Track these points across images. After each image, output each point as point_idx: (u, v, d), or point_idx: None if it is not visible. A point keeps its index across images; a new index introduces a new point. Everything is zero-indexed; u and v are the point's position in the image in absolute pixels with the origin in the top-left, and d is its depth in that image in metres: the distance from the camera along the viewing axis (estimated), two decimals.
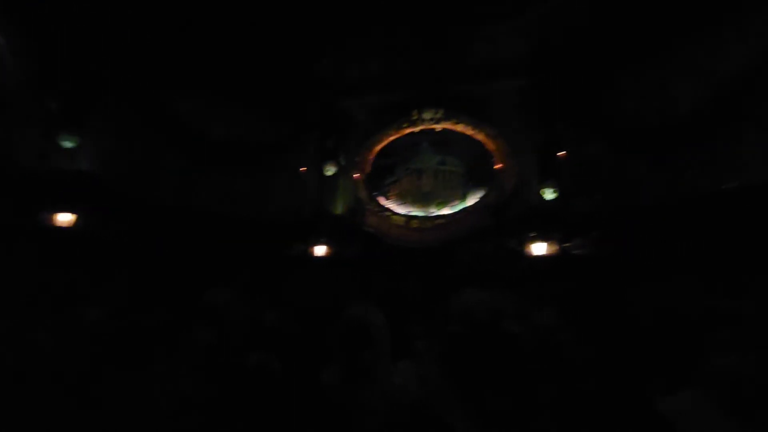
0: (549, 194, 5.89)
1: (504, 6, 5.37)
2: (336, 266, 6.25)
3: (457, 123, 6.61)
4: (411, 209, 6.58)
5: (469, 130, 6.58)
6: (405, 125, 6.84)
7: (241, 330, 1.89)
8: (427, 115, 6.75)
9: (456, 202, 6.40)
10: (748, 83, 4.46)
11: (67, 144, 5.00)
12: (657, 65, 4.95)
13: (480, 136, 6.48)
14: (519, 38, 5.62)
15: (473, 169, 6.42)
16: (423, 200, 6.57)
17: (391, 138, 6.96)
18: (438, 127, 6.74)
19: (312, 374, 1.61)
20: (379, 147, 6.95)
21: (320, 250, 6.43)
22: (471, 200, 6.30)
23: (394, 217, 6.53)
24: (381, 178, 6.82)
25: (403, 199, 6.66)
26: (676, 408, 1.43)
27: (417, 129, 6.84)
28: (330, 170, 6.90)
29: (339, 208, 6.73)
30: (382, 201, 6.69)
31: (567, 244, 5.67)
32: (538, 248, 5.85)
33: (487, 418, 1.13)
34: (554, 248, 5.70)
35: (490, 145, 6.37)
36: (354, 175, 6.87)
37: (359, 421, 1.39)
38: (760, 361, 1.45)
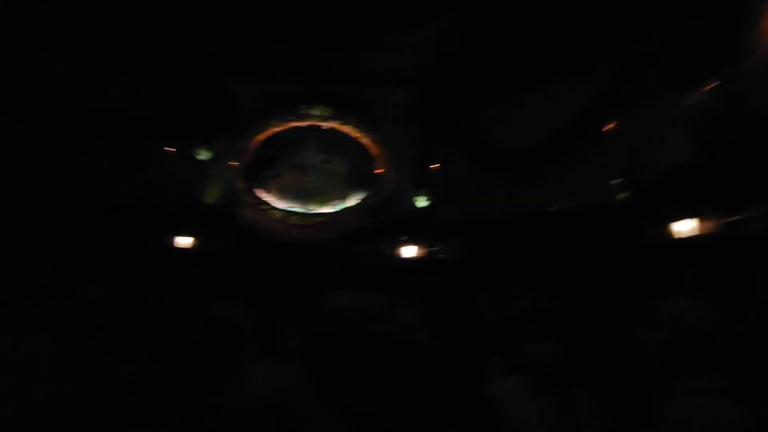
0: (421, 202, 6.40)
1: (402, 21, 5.65)
2: (203, 259, 5.77)
3: (345, 124, 6.70)
4: (291, 205, 6.45)
5: (355, 133, 6.73)
6: (291, 118, 6.68)
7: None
8: (315, 112, 6.70)
9: (337, 202, 6.48)
10: (579, 126, 5.53)
11: None
12: (517, 102, 5.79)
13: (365, 140, 6.68)
14: (411, 53, 5.99)
15: (356, 171, 6.60)
16: (304, 197, 6.49)
17: (276, 129, 6.73)
18: (325, 125, 6.74)
19: (170, 375, 1.48)
20: (262, 137, 6.65)
21: (185, 241, 5.87)
22: (351, 201, 6.46)
23: (273, 211, 6.32)
24: (261, 170, 6.54)
25: (283, 193, 6.48)
26: (501, 391, 1.70)
27: (304, 124, 6.74)
28: (203, 155, 6.36)
29: (210, 197, 6.24)
30: (261, 193, 6.42)
31: (433, 249, 6.21)
32: (408, 251, 6.30)
33: (345, 416, 1.17)
34: (422, 251, 6.20)
35: (374, 149, 6.62)
36: (231, 163, 6.44)
37: (212, 425, 1.32)
38: (566, 352, 1.79)
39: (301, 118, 6.69)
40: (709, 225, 4.09)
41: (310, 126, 6.72)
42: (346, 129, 6.74)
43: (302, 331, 1.65)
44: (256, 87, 6.69)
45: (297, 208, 6.41)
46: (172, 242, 5.81)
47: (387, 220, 6.34)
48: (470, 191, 6.19)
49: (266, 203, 6.34)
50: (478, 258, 5.77)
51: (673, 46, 4.60)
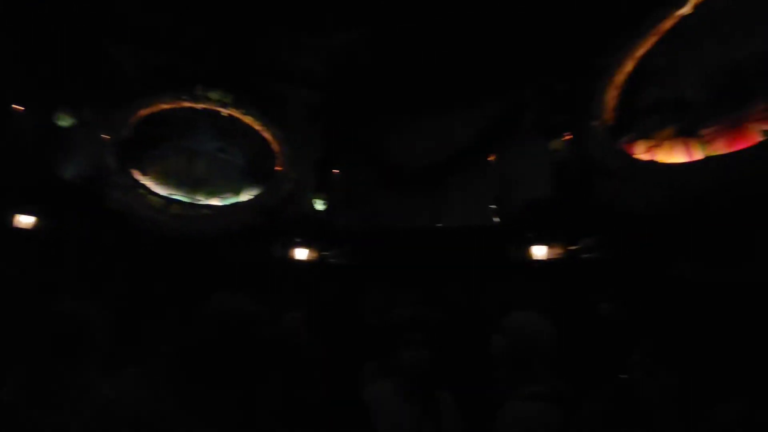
0: (319, 205, 6.29)
1: (320, 24, 5.53)
2: (54, 246, 4.82)
3: (246, 114, 6.28)
4: (174, 192, 5.78)
5: (257, 125, 6.35)
6: (185, 98, 6.04)
7: None
8: (214, 96, 6.16)
9: (229, 195, 6.00)
10: (468, 152, 6.07)
11: None
12: (417, 121, 6.11)
13: (267, 135, 6.34)
14: (324, 57, 5.88)
15: (253, 165, 6.20)
16: (191, 185, 5.87)
17: (165, 106, 6.01)
18: (225, 111, 6.24)
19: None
20: (146, 111, 5.86)
21: (29, 221, 4.84)
22: (245, 196, 6.04)
23: (151, 197, 5.57)
24: (141, 149, 5.74)
25: (166, 178, 5.78)
26: (374, 395, 1.74)
27: (199, 106, 6.15)
28: (65, 120, 5.37)
29: (71, 172, 5.26)
30: (138, 175, 5.62)
31: (325, 253, 6.13)
32: (300, 254, 6.12)
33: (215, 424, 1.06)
34: (314, 255, 6.07)
35: (275, 146, 6.32)
36: (103, 136, 5.54)
37: None
38: (434, 358, 1.90)
39: (196, 99, 6.09)
40: (558, 250, 4.90)
41: (206, 109, 6.16)
42: (247, 120, 6.33)
43: (175, 335, 1.45)
44: (145, 55, 5.90)
45: (180, 196, 5.77)
46: (11, 221, 4.75)
47: (281, 220, 6.08)
48: (366, 200, 6.29)
49: (143, 187, 5.57)
50: (367, 265, 5.88)
51: (545, 98, 5.43)
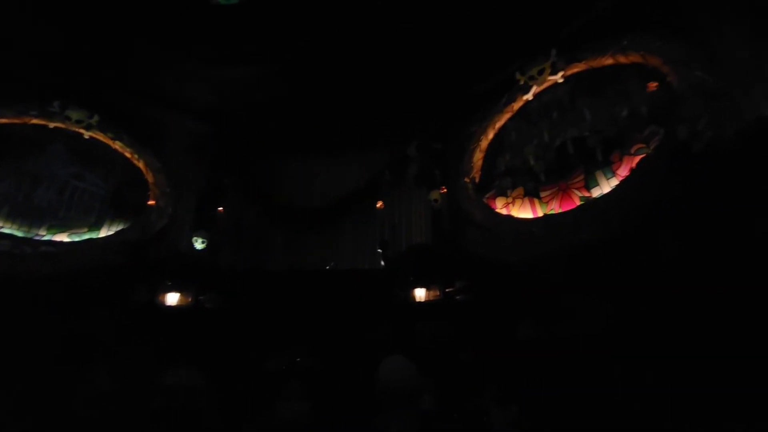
0: (199, 244, 5.71)
1: (215, 54, 5.26)
2: None
3: (115, 139, 5.53)
4: (3, 224, 4.64)
5: (127, 152, 5.61)
6: (33, 113, 5.08)
7: None
8: (75, 115, 5.31)
9: (83, 230, 5.04)
10: (357, 198, 6.28)
11: None
12: (306, 166, 6.15)
13: (139, 164, 5.63)
14: (214, 87, 5.56)
15: (119, 196, 5.38)
16: (30, 216, 4.80)
17: (5, 121, 4.96)
18: (87, 134, 5.40)
19: None
20: None
21: None
22: (105, 232, 5.14)
23: None
24: None
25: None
26: None
27: (51, 125, 5.22)
28: None
29: None
30: None
31: (201, 297, 5.52)
32: (172, 298, 5.40)
33: None
34: (187, 300, 5.41)
35: (149, 176, 5.62)
36: None
37: None
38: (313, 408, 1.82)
39: (50, 116, 5.19)
40: (435, 292, 5.38)
41: (61, 129, 5.26)
42: (117, 145, 5.57)
43: None
44: None
45: (14, 230, 4.66)
46: None
47: (149, 259, 5.32)
48: (252, 240, 5.92)
49: None
50: (248, 309, 5.45)
51: (426, 154, 6.06)
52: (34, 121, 5.03)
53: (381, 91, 5.40)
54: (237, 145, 5.85)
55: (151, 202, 5.48)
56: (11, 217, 4.71)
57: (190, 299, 5.46)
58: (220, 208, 5.81)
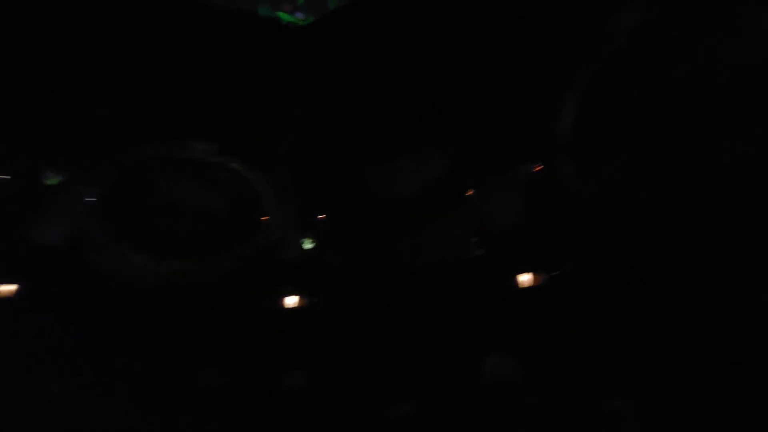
0: (307, 244, 6.13)
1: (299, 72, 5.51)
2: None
3: (231, 162, 6.19)
4: (156, 248, 5.65)
5: (242, 173, 6.24)
6: (167, 149, 5.96)
7: None
8: (200, 146, 6.08)
9: (213, 248, 5.85)
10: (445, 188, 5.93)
11: None
12: (394, 159, 6.01)
13: (253, 183, 6.22)
14: (300, 103, 5.80)
15: (239, 215, 6.06)
16: (174, 239, 5.75)
17: (149, 160, 5.94)
18: (210, 160, 6.15)
19: None
20: (129, 166, 5.79)
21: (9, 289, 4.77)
22: (228, 250, 5.88)
23: (133, 256, 5.44)
24: (123, 206, 5.65)
25: (149, 234, 5.66)
26: None
27: (184, 157, 6.07)
28: (51, 179, 5.37)
29: (51, 236, 5.17)
30: (119, 233, 5.50)
31: (315, 299, 5.95)
32: (291, 301, 5.95)
33: None
34: (303, 302, 5.90)
35: (262, 193, 6.18)
36: (85, 195, 5.47)
37: None
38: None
39: (182, 150, 6.03)
40: (540, 276, 5.05)
41: (191, 159, 6.08)
42: (233, 167, 6.22)
43: None
44: (129, 110, 5.87)
45: (162, 252, 5.64)
46: None
47: (270, 269, 5.93)
48: (353, 241, 6.12)
49: (125, 245, 5.46)
50: (356, 309, 5.70)
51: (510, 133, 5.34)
52: (169, 155, 5.92)
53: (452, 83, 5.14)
54: (327, 152, 6.05)
55: (264, 218, 6.06)
56: (161, 241, 5.69)
57: (306, 301, 5.96)
58: (322, 216, 6.11)
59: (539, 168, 5.27)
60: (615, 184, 4.61)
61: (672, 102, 4.31)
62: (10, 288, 4.68)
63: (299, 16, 5.25)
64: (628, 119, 4.63)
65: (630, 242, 4.33)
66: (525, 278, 5.06)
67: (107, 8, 4.89)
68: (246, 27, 5.18)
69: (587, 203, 4.76)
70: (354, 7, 4.71)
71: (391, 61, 5.02)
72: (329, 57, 5.05)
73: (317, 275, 6.03)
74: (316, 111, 5.68)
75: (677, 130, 4.30)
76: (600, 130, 4.80)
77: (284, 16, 5.28)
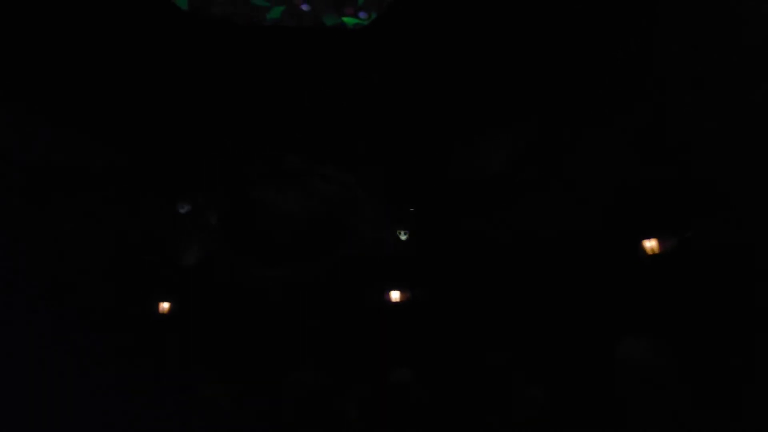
0: (402, 236, 6.23)
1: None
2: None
3: (324, 168, 6.54)
4: (277, 260, 6.28)
5: (335, 175, 6.55)
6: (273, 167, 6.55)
7: None
8: (291, 159, 6.55)
9: (310, 254, 6.30)
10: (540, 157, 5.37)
11: None
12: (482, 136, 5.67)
13: (342, 184, 6.49)
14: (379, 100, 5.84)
15: (335, 218, 6.40)
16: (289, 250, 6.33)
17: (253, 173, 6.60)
18: (302, 169, 6.60)
19: None
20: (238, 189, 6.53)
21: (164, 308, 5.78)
22: (326, 253, 6.27)
23: (257, 270, 6.15)
24: (247, 226, 6.41)
25: (269, 250, 6.32)
26: None
27: (285, 172, 6.60)
28: (184, 207, 6.32)
29: (190, 257, 6.13)
30: (243, 252, 6.26)
31: (418, 291, 6.02)
32: (395, 296, 6.12)
33: None
34: (406, 296, 6.01)
35: (354, 195, 6.43)
36: (210, 218, 6.33)
37: None
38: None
39: (274, 164, 6.57)
40: (670, 241, 4.52)
41: (291, 171, 6.59)
42: (326, 172, 6.57)
43: None
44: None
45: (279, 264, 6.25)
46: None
47: (369, 268, 6.17)
48: (439, 230, 6.01)
49: (251, 263, 6.18)
50: (461, 300, 5.59)
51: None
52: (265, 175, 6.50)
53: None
54: (408, 146, 5.99)
55: (359, 216, 6.30)
56: (281, 254, 6.30)
57: (408, 295, 6.07)
58: (411, 209, 6.13)
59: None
60: None
61: None
62: (166, 305, 5.69)
63: (362, 16, 5.24)
64: None
65: None
66: (651, 244, 4.55)
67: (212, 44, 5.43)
68: (318, 40, 5.35)
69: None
70: None
71: (454, 47, 4.73)
72: (395, 52, 4.95)
73: (417, 267, 6.08)
74: (391, 106, 5.66)
75: None
76: None
77: (349, 21, 5.33)
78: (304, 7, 5.16)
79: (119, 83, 5.52)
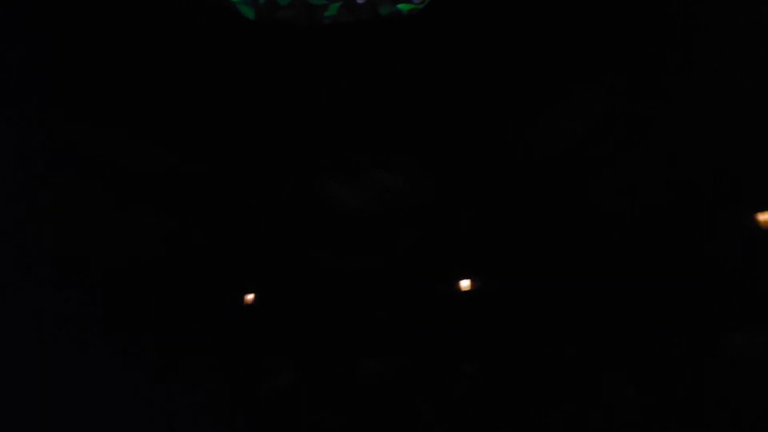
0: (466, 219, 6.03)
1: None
2: None
3: (388, 156, 6.55)
4: None
5: (401, 164, 6.54)
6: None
7: None
8: (357, 152, 6.65)
9: (383, 244, 6.35)
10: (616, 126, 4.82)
11: None
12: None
13: (408, 173, 6.45)
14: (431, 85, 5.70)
15: (397, 209, 6.40)
16: (350, 242, 6.49)
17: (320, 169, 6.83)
18: (367, 161, 6.66)
19: None
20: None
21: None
22: (394, 243, 6.27)
23: None
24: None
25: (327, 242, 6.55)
26: None
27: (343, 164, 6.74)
28: None
29: None
30: None
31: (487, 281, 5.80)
32: (465, 284, 5.97)
33: None
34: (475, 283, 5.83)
35: (416, 183, 6.36)
36: None
37: None
38: None
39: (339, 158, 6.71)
40: None
41: (351, 165, 6.71)
42: (390, 159, 6.58)
43: None
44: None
45: None
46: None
47: (437, 256, 6.07)
48: (514, 211, 5.68)
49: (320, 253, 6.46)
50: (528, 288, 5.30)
51: None
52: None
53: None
54: (473, 128, 5.77)
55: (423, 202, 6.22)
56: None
57: (478, 284, 5.88)
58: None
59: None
60: None
61: None
62: (250, 297, 6.13)
63: (416, 1, 5.14)
64: None
65: None
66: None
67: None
68: (375, 31, 5.34)
69: None
70: None
71: (515, 20, 4.41)
72: (452, 33, 4.75)
73: (485, 254, 5.88)
74: (452, 88, 5.48)
75: None
76: None
77: (404, 7, 5.24)
78: (360, 0, 5.17)
79: (198, 94, 5.99)
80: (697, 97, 4.41)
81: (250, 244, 6.37)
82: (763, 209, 4.05)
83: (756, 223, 4.02)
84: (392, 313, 5.49)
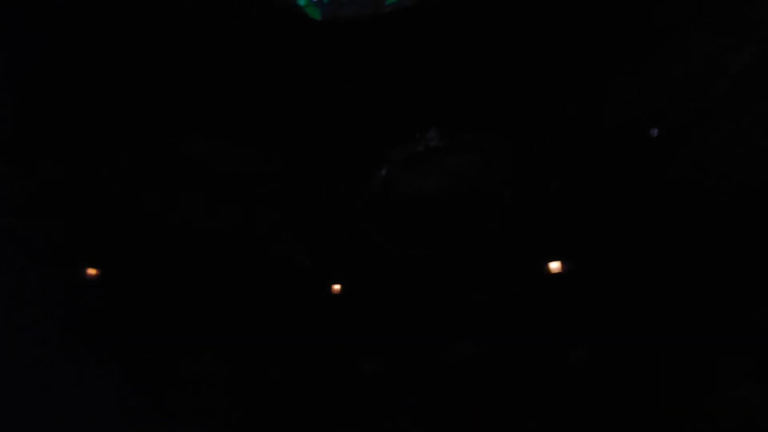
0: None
1: None
2: None
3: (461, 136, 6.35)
4: None
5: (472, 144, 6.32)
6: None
7: None
8: (432, 135, 6.56)
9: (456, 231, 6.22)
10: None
11: None
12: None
13: (482, 151, 6.20)
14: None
15: (474, 192, 6.19)
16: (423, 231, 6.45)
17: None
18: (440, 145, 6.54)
19: None
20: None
21: None
22: (473, 228, 6.11)
23: None
24: None
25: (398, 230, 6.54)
26: None
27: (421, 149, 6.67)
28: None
29: None
30: None
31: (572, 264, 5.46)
32: (555, 267, 5.68)
33: None
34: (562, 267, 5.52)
35: (488, 161, 6.10)
36: None
37: None
38: None
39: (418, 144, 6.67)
40: None
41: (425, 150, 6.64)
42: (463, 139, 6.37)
43: None
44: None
45: None
46: None
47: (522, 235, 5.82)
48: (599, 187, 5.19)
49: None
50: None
51: None
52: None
53: None
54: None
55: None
56: None
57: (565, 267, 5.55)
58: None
59: None
60: None
61: None
62: (337, 287, 6.48)
63: None
64: None
65: None
66: None
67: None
68: (436, 12, 5.18)
69: None
70: None
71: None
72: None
73: (575, 232, 5.51)
74: (523, 60, 5.11)
75: None
76: None
77: None
78: None
79: (279, 96, 6.34)
80: None
81: (336, 237, 6.67)
82: None
83: None
84: (482, 296, 5.33)
